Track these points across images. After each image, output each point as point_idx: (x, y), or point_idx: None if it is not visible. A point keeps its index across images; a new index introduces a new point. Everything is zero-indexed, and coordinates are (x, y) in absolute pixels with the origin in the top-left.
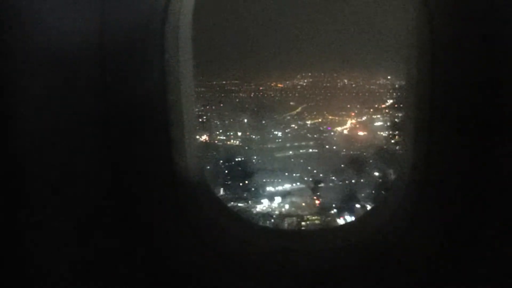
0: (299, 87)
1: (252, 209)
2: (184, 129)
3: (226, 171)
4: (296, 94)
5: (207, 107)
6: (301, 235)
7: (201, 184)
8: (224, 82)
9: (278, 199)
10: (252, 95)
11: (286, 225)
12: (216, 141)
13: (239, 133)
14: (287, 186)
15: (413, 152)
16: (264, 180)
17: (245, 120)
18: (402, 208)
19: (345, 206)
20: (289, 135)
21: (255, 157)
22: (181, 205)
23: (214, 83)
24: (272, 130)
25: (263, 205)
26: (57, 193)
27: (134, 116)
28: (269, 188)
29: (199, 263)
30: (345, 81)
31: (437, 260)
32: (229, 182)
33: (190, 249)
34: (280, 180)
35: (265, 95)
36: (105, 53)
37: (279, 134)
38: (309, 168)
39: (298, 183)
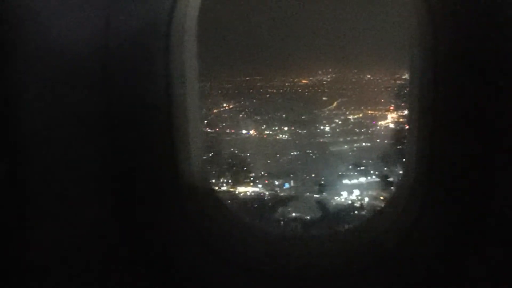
0: (325, 82)
1: (332, 201)
2: (188, 130)
3: (287, 165)
4: (326, 90)
5: (241, 103)
6: (305, 239)
7: (206, 188)
8: (247, 78)
9: (356, 192)
10: (281, 91)
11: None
12: (264, 136)
13: (285, 128)
14: (362, 180)
15: (417, 153)
16: (339, 173)
17: (284, 115)
18: (408, 209)
19: None
20: (337, 130)
21: (310, 151)
22: (185, 209)
23: (238, 79)
24: (317, 125)
25: (343, 197)
26: (58, 193)
27: (138, 119)
28: (345, 181)
29: (203, 267)
30: (368, 76)
31: (442, 261)
32: (295, 175)
33: (194, 254)
34: (354, 173)
35: (293, 90)
36: (110, 55)
37: (327, 129)
38: (370, 161)
39: (372, 177)
